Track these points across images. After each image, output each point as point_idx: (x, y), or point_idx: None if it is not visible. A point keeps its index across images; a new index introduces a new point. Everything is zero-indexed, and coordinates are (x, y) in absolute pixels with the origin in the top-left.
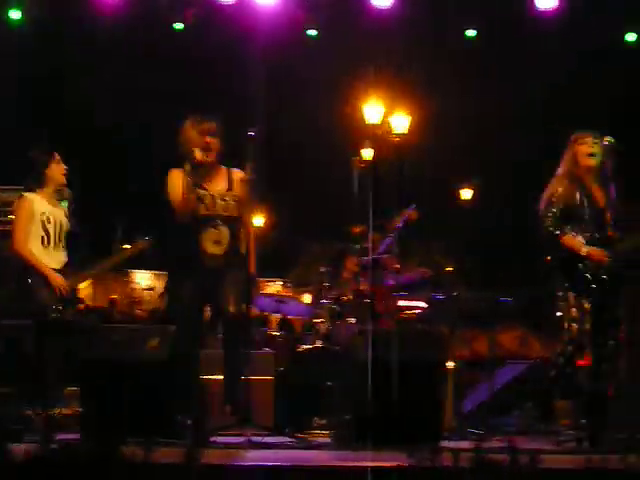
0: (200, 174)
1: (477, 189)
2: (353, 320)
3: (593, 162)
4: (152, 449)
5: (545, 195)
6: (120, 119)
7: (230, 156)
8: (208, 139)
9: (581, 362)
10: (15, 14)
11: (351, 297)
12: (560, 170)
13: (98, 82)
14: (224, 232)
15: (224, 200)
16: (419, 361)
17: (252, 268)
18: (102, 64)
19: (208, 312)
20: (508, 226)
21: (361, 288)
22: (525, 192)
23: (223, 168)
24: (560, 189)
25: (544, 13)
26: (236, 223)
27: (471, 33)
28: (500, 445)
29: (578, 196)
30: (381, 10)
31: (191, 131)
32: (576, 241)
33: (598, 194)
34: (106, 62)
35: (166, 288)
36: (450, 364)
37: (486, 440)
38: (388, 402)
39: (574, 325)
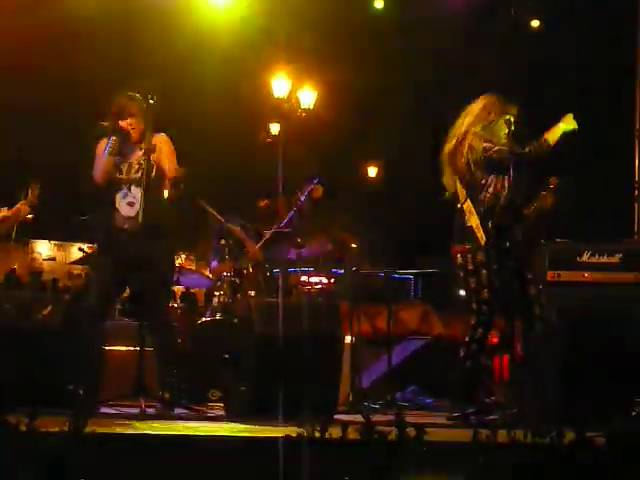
0: (124, 149)
1: (382, 166)
2: (252, 293)
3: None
4: (37, 417)
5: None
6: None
7: None
8: (129, 121)
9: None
10: None
11: (251, 270)
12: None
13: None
14: (137, 193)
15: (139, 164)
16: (316, 335)
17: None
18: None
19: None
20: (412, 203)
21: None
22: (430, 169)
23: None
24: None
25: None
26: (154, 185)
27: (378, 6)
28: (390, 419)
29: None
30: None
31: (112, 108)
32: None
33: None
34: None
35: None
36: (348, 339)
37: (380, 414)
38: (283, 375)
39: (484, 307)
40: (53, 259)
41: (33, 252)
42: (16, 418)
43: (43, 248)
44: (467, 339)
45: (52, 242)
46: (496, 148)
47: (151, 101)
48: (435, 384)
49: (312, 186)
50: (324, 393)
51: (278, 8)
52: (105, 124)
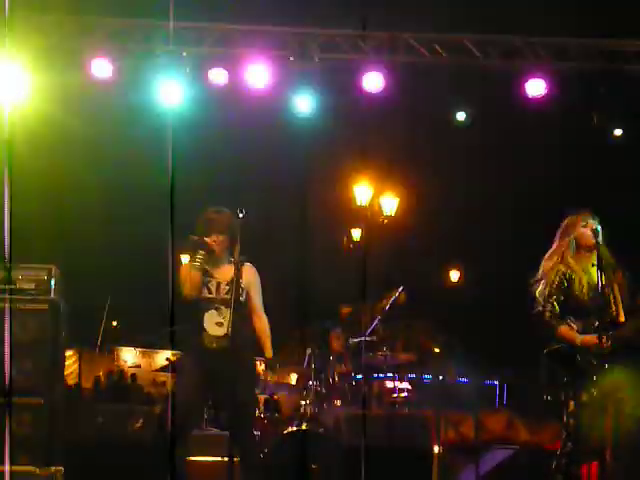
0: (210, 264)
1: (464, 270)
2: (339, 403)
3: (593, 242)
4: None
5: (541, 282)
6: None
7: None
8: (214, 237)
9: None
10: None
11: (337, 379)
12: (556, 253)
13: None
14: (226, 314)
15: (229, 285)
16: (405, 447)
17: (267, 352)
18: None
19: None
20: (495, 308)
21: (346, 371)
22: (512, 274)
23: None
24: (557, 276)
25: (534, 99)
26: (242, 308)
27: (461, 118)
28: None
29: (577, 281)
30: (372, 94)
31: (199, 224)
32: (571, 332)
33: (598, 276)
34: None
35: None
36: (436, 448)
37: None
38: None
39: (571, 421)
40: (138, 366)
41: (119, 359)
42: None
43: (129, 356)
44: (558, 452)
45: (137, 349)
46: (538, 310)
47: (240, 215)
48: None
49: (397, 294)
50: None
51: (359, 118)
52: (195, 238)
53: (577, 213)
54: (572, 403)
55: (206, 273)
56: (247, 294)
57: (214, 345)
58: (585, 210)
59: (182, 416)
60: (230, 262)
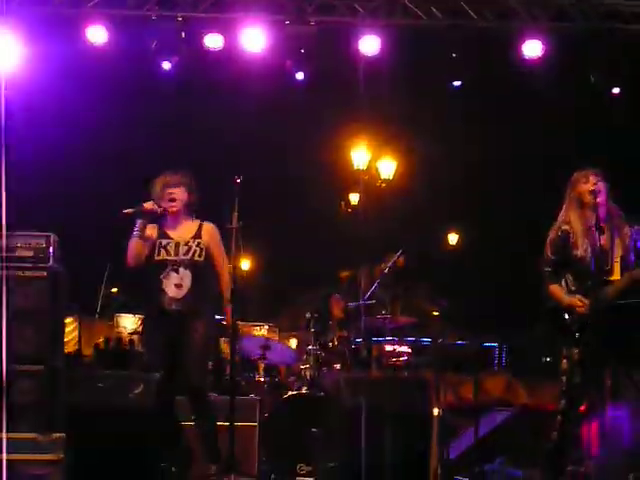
0: (167, 223)
1: (463, 234)
2: (338, 366)
3: (598, 200)
4: None
5: (548, 241)
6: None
7: (218, 202)
8: (170, 190)
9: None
10: None
11: (336, 343)
12: (562, 213)
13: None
14: (185, 275)
15: (187, 246)
16: (405, 409)
17: (228, 318)
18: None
19: None
20: (494, 271)
21: (346, 335)
22: (510, 237)
23: (194, 219)
24: (555, 235)
25: (531, 61)
26: (201, 268)
27: (458, 80)
28: None
29: (577, 240)
30: (369, 57)
31: (156, 186)
32: (560, 292)
33: (604, 234)
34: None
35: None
36: (435, 411)
37: None
38: (373, 450)
39: (563, 378)
40: (138, 333)
41: (118, 326)
42: None
43: (128, 322)
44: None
45: (137, 316)
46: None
47: (237, 180)
48: (523, 455)
49: (396, 258)
50: (415, 467)
51: (355, 82)
52: (131, 210)
53: (582, 170)
54: (565, 361)
55: (162, 235)
56: (208, 253)
57: (173, 307)
58: (586, 169)
59: (159, 382)
60: (191, 219)
